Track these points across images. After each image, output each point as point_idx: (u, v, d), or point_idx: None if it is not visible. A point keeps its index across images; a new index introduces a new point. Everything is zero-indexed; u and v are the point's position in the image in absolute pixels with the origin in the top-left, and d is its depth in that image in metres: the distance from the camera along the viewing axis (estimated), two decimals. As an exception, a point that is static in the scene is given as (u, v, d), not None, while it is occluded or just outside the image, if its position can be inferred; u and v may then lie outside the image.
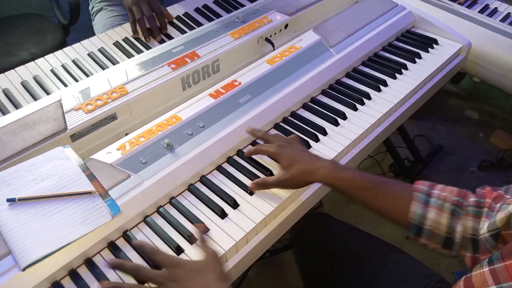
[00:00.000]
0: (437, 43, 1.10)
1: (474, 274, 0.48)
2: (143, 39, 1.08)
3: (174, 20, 1.15)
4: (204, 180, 0.75)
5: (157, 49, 0.95)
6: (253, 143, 0.82)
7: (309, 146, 0.82)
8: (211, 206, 0.71)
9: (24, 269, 0.58)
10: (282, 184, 0.72)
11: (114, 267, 0.61)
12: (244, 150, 0.81)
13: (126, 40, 1.07)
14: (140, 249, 0.63)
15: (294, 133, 0.83)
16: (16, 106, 0.88)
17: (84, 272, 0.63)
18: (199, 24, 1.13)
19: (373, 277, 0.79)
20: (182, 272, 0.57)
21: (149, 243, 0.64)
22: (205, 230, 0.67)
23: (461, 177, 1.72)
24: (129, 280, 0.61)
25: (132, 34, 1.09)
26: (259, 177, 0.75)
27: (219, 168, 0.78)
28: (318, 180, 0.70)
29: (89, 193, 0.66)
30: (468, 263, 0.58)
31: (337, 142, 0.82)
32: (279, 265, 1.44)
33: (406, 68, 1.02)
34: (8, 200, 0.64)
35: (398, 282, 0.77)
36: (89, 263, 0.63)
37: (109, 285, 0.58)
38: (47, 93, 0.91)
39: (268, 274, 1.41)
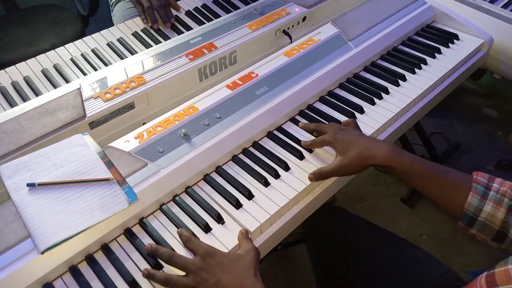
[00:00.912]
0: (457, 39, 1.08)
1: (498, 271, 0.48)
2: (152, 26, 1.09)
3: (192, 11, 1.15)
4: (219, 170, 0.76)
5: (175, 40, 0.96)
6: (270, 135, 0.82)
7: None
8: (226, 196, 0.71)
9: (42, 253, 0.59)
10: (341, 170, 0.71)
11: (150, 252, 0.61)
12: (260, 142, 0.81)
13: (144, 30, 1.08)
14: (179, 236, 0.64)
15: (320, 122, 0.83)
16: (37, 93, 0.90)
17: (100, 257, 0.64)
18: (217, 16, 1.13)
19: (387, 273, 0.79)
20: (214, 262, 0.57)
21: (187, 230, 0.64)
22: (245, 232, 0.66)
23: (478, 176, 1.69)
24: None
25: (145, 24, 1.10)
26: (274, 169, 0.75)
27: (235, 159, 0.78)
28: (377, 163, 0.69)
29: (107, 180, 0.67)
30: None
31: (353, 136, 0.82)
32: (290, 259, 1.44)
33: (425, 63, 1.00)
34: (28, 184, 0.65)
35: (413, 278, 0.77)
36: (106, 248, 0.64)
37: (151, 248, 0.60)
38: (67, 81, 0.93)
39: (280, 267, 1.42)
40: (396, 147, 0.69)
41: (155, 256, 0.61)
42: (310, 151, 0.79)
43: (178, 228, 0.67)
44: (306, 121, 0.84)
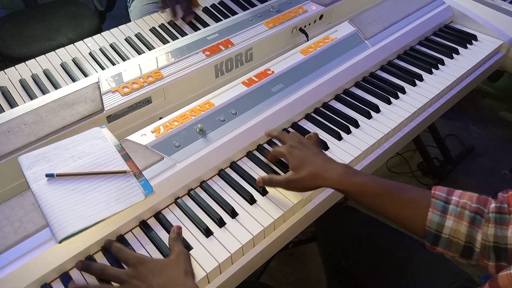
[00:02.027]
0: (476, 39, 1.07)
1: (501, 275, 0.47)
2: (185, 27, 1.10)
3: (210, 8, 1.16)
4: (234, 166, 0.76)
5: (192, 36, 0.96)
6: (285, 132, 0.82)
7: (340, 138, 0.81)
8: (240, 192, 0.72)
9: (60, 242, 0.60)
10: (289, 185, 0.68)
11: (81, 268, 0.61)
12: (275, 140, 0.81)
13: (162, 26, 1.09)
14: (107, 247, 0.63)
15: (326, 125, 0.83)
16: (56, 86, 0.91)
17: (116, 249, 0.65)
18: (234, 13, 1.13)
19: (399, 273, 0.79)
20: (146, 269, 0.57)
21: (116, 242, 0.63)
22: (178, 229, 0.65)
23: (492, 179, 1.67)
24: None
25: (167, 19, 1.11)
26: (288, 166, 0.75)
27: (250, 155, 0.78)
28: (328, 185, 0.66)
29: (124, 172, 0.67)
30: (492, 272, 0.55)
31: (369, 135, 0.81)
32: (300, 257, 1.44)
33: (443, 63, 0.99)
34: (47, 175, 0.66)
35: (425, 278, 0.76)
36: (121, 240, 0.65)
37: (75, 285, 0.59)
38: (85, 75, 0.94)
39: (290, 266, 1.42)
40: (350, 168, 0.67)
41: (87, 272, 0.61)
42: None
43: (193, 222, 0.67)
44: (318, 121, 0.84)
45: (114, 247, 0.61)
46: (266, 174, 0.72)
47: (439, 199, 0.59)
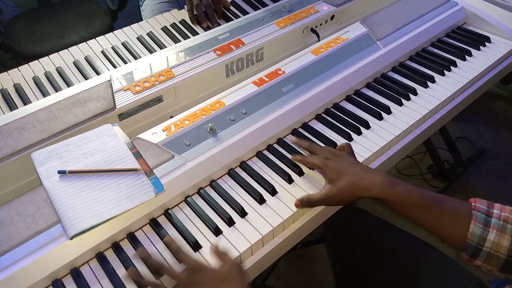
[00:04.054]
0: (489, 41, 1.06)
1: None
2: (199, 27, 1.10)
3: (222, 8, 1.16)
4: (244, 165, 0.76)
5: (204, 36, 0.97)
6: (294, 132, 0.82)
7: (350, 139, 0.81)
8: (250, 191, 0.72)
9: (71, 238, 0.60)
10: (329, 200, 0.66)
11: (140, 256, 0.61)
12: (285, 139, 0.81)
13: (174, 25, 1.09)
14: (167, 245, 0.63)
15: (338, 127, 0.83)
16: (68, 84, 0.92)
17: (126, 246, 0.65)
18: (245, 13, 1.13)
19: (408, 276, 0.78)
20: (203, 278, 0.56)
21: (176, 241, 0.62)
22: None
23: (503, 183, 1.65)
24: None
25: (190, 22, 1.11)
26: (299, 166, 0.75)
27: (259, 155, 0.78)
28: (369, 194, 0.64)
29: (135, 170, 0.68)
30: None
31: (379, 137, 0.81)
32: (308, 259, 1.44)
33: (455, 65, 0.98)
34: (59, 172, 0.67)
35: (435, 282, 0.75)
36: (132, 237, 0.66)
37: (134, 272, 0.59)
38: (97, 73, 0.95)
39: (297, 266, 1.42)
40: (390, 177, 0.65)
41: (145, 263, 0.61)
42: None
43: (202, 220, 0.67)
44: (328, 122, 0.84)
45: (174, 247, 0.60)
46: (303, 197, 0.68)
47: (481, 211, 0.58)
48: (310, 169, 0.75)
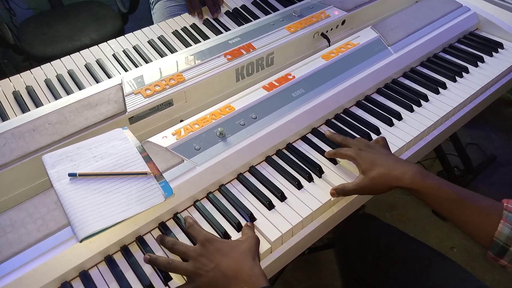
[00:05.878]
0: (502, 47, 1.05)
1: None
2: (197, 17, 1.13)
3: (232, 12, 1.16)
4: (253, 170, 0.76)
5: (214, 40, 0.97)
6: (304, 138, 0.82)
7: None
8: (259, 197, 0.71)
9: (81, 241, 0.61)
10: (362, 190, 0.68)
11: (158, 241, 0.64)
12: (294, 144, 0.81)
13: (184, 29, 1.10)
14: (184, 221, 0.66)
15: (349, 131, 0.82)
16: (80, 86, 0.93)
17: (135, 249, 0.65)
18: (256, 17, 1.14)
19: (418, 283, 0.77)
20: (214, 248, 0.58)
21: (192, 217, 0.67)
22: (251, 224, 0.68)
23: (514, 190, 1.63)
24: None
25: (192, 16, 1.13)
26: (308, 172, 0.75)
27: (269, 160, 0.78)
28: (403, 185, 0.65)
29: (145, 174, 0.68)
30: None
31: (390, 143, 0.80)
32: (315, 264, 1.43)
33: (467, 72, 0.97)
34: (69, 174, 0.67)
35: (445, 290, 0.75)
36: (140, 241, 0.66)
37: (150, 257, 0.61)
38: (108, 76, 0.95)
39: (305, 271, 1.41)
40: (423, 169, 0.66)
41: (162, 245, 0.64)
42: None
43: (211, 225, 0.67)
44: (338, 128, 0.84)
45: (188, 222, 0.65)
46: (338, 186, 0.71)
47: None
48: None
